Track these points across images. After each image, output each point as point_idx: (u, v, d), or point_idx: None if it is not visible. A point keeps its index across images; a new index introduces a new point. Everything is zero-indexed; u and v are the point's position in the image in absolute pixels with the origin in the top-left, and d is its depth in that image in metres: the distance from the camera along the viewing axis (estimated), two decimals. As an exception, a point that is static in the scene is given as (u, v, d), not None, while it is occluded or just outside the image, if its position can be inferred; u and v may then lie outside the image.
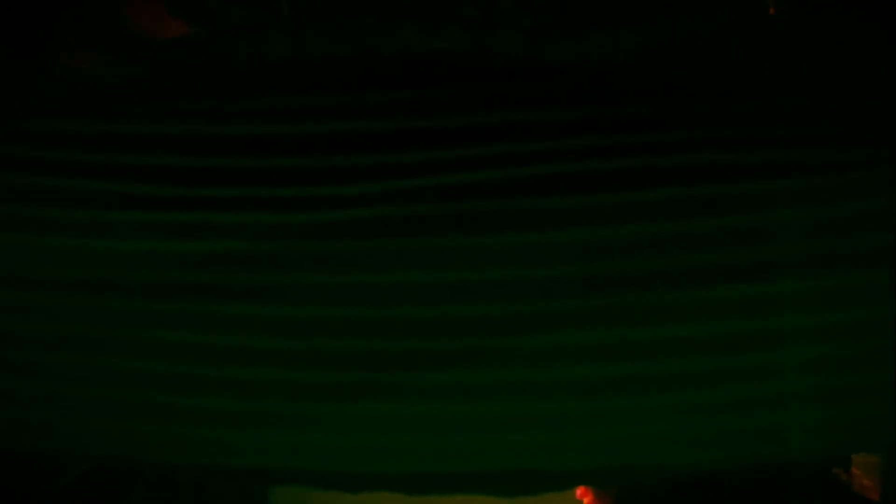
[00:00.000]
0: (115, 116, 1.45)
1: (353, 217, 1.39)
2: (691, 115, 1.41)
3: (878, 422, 1.40)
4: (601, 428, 1.39)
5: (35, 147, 1.44)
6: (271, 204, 1.40)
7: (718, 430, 1.39)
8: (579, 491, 2.09)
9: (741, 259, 1.37)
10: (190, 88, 1.45)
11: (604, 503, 2.06)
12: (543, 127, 1.41)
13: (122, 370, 1.40)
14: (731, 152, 1.39)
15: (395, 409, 1.39)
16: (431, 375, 1.38)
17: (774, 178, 1.39)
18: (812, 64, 1.44)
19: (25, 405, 1.42)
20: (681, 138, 1.40)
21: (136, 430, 1.40)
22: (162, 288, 1.39)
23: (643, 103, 1.42)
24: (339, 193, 1.40)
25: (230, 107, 1.44)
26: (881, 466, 1.73)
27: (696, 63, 1.43)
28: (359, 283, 1.39)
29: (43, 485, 2.03)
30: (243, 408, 1.39)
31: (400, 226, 1.39)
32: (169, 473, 2.11)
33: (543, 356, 1.38)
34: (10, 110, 1.45)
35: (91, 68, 1.47)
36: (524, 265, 1.38)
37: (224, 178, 1.41)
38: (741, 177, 1.39)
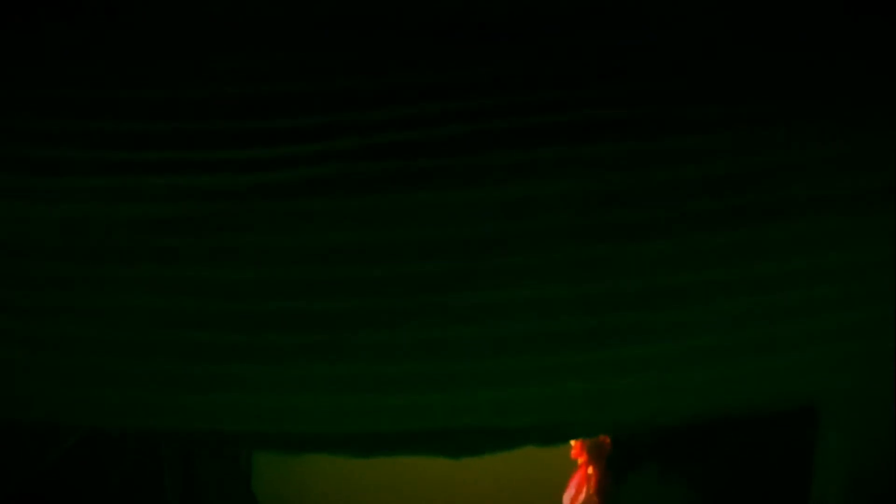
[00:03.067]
0: (54, 81, 1.44)
1: (297, 178, 1.38)
2: (629, 71, 1.40)
3: (880, 359, 1.40)
4: (544, 385, 1.37)
5: None
6: (214, 166, 1.39)
7: (657, 385, 1.39)
8: (574, 451, 2.10)
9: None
10: (132, 52, 1.44)
11: (598, 464, 2.08)
12: (485, 85, 1.40)
13: (70, 337, 1.39)
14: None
15: (339, 369, 1.38)
16: (374, 335, 1.37)
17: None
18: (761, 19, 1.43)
19: None
20: (621, 93, 1.39)
21: (86, 396, 1.40)
22: (107, 253, 1.39)
23: (581, 59, 1.40)
24: (281, 154, 1.39)
25: (173, 70, 1.43)
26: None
27: (633, 21, 1.41)
28: (302, 244, 1.38)
29: (28, 464, 2.03)
30: (188, 371, 1.39)
31: (347, 185, 1.38)
32: (153, 449, 2.12)
33: (486, 313, 1.36)
34: None
35: (30, 32, 1.46)
36: (461, 223, 1.37)
37: (154, 142, 1.40)
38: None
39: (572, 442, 2.08)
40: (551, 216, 1.36)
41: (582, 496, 2.07)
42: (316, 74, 1.41)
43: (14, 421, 1.46)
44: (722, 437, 1.89)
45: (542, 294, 1.36)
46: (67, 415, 1.42)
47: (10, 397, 1.42)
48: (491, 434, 1.39)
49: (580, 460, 2.08)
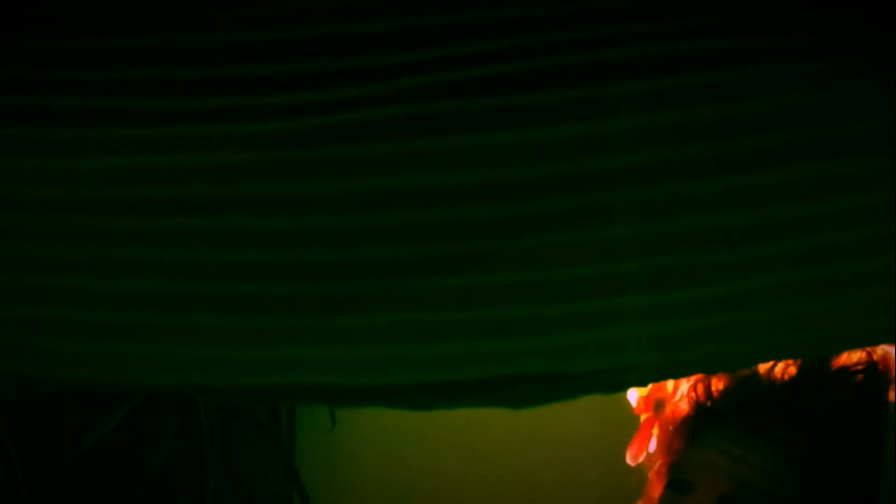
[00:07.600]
0: (102, 31, 1.40)
1: (347, 121, 1.33)
2: (670, 6, 1.35)
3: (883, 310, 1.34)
4: (607, 329, 1.33)
5: (20, 66, 1.39)
6: (263, 112, 1.34)
7: (726, 326, 1.33)
8: (638, 407, 2.06)
9: (734, 148, 1.31)
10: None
11: (662, 422, 2.03)
12: (546, 20, 1.35)
13: (119, 291, 1.35)
14: (717, 39, 1.33)
15: (395, 317, 1.33)
16: (429, 282, 1.32)
17: (765, 63, 1.32)
18: None
19: (17, 330, 1.38)
20: (664, 28, 1.33)
21: (134, 353, 1.36)
22: (157, 204, 1.34)
23: None
24: (331, 98, 1.34)
25: (219, 15, 1.39)
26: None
27: None
28: (353, 190, 1.33)
29: (69, 446, 2.06)
30: (241, 324, 1.35)
31: (396, 129, 1.33)
32: (194, 431, 2.14)
33: (550, 256, 1.32)
34: None
35: None
36: (523, 164, 1.32)
37: (215, 88, 1.36)
38: (728, 63, 1.32)
39: (635, 399, 2.05)
40: (618, 154, 1.32)
41: (644, 454, 2.04)
42: (365, 15, 1.37)
43: (70, 384, 1.43)
44: (807, 398, 1.87)
45: (608, 235, 1.32)
46: (129, 372, 1.38)
47: (70, 356, 1.38)
48: (552, 382, 1.35)
49: (643, 417, 2.04)
